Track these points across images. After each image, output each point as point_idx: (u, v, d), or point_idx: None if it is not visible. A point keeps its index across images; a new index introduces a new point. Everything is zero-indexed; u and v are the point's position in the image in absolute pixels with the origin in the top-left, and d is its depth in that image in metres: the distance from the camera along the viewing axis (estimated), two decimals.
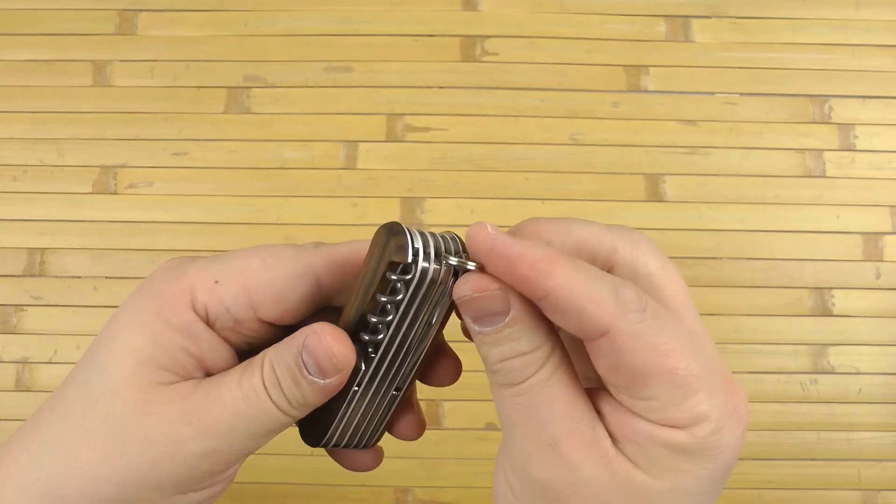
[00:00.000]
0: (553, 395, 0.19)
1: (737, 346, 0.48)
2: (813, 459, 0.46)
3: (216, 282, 0.20)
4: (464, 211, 0.49)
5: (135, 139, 0.50)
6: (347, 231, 0.49)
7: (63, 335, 0.48)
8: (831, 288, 0.48)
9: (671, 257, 0.48)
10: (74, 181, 0.49)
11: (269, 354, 0.21)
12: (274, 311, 0.21)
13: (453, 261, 0.20)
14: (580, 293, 0.18)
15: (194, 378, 0.21)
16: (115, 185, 0.49)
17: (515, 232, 0.21)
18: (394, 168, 0.50)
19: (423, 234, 0.20)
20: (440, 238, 0.20)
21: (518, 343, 0.19)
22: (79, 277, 0.48)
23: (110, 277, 0.48)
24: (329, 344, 0.20)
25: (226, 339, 0.21)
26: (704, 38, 0.52)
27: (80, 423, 0.20)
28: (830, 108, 0.51)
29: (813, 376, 0.47)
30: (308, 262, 0.21)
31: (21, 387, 0.47)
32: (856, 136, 0.50)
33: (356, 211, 0.49)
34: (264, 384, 0.20)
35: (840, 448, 0.47)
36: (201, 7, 0.52)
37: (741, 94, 0.51)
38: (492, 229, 0.19)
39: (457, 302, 0.20)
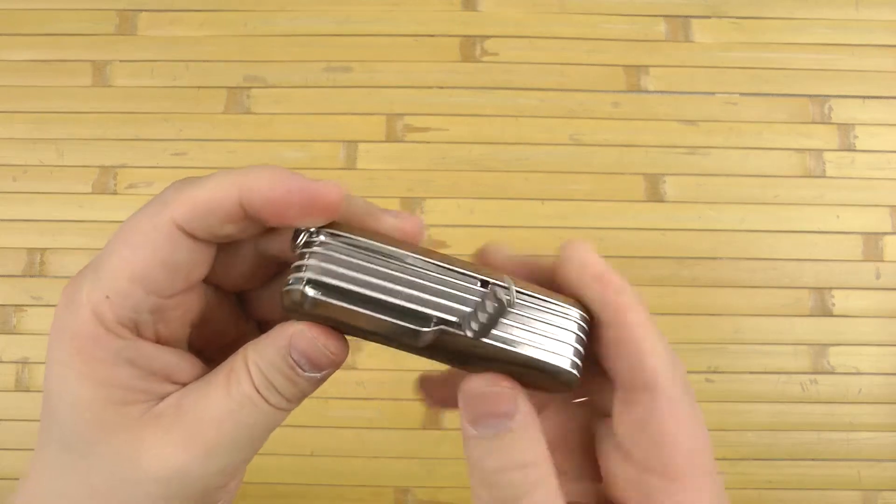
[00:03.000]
0: None
1: (737, 346, 0.48)
2: (813, 459, 0.46)
3: (107, 297, 0.18)
4: (464, 211, 0.49)
5: (135, 139, 0.50)
6: None
7: None
8: (831, 288, 0.48)
9: (671, 257, 0.49)
10: (74, 181, 0.49)
11: (252, 357, 0.19)
12: (179, 282, 0.19)
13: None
14: (647, 339, 0.18)
15: (167, 393, 0.19)
16: (115, 185, 0.49)
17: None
18: (394, 168, 0.50)
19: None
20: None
21: (520, 453, 0.18)
22: None
23: None
24: (322, 342, 0.18)
25: (167, 335, 0.20)
26: (704, 38, 0.52)
27: (77, 485, 0.18)
28: (830, 108, 0.51)
29: (813, 376, 0.47)
30: (166, 220, 0.18)
31: (21, 387, 0.47)
32: (856, 137, 0.50)
33: None
34: (257, 390, 0.19)
35: (840, 448, 0.47)
36: (201, 7, 0.52)
37: (741, 94, 0.51)
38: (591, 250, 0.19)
39: (460, 398, 0.19)
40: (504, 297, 0.17)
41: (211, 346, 0.22)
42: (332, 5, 0.52)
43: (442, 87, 0.51)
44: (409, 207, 0.49)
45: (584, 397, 0.22)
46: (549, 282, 0.20)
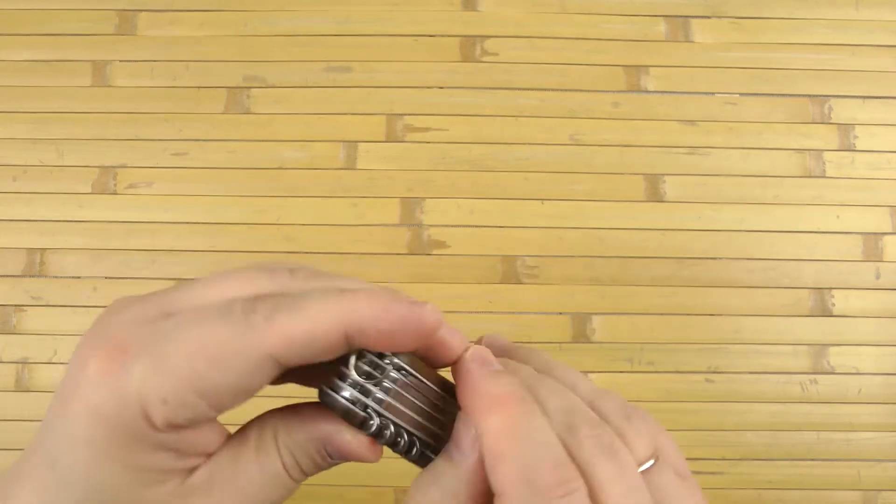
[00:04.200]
0: None
1: (737, 347, 0.48)
2: (813, 459, 0.46)
3: (164, 401, 0.17)
4: (464, 211, 0.49)
5: (134, 139, 0.50)
6: (347, 231, 0.49)
7: (63, 335, 0.48)
8: (831, 288, 0.48)
9: (671, 257, 0.49)
10: (74, 181, 0.49)
11: (282, 438, 0.19)
12: (243, 399, 0.18)
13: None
14: (500, 450, 0.17)
15: (197, 465, 0.19)
16: (115, 185, 0.49)
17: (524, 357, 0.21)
18: (393, 168, 0.50)
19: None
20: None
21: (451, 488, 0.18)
22: (78, 278, 0.48)
23: (110, 278, 0.48)
24: (360, 447, 0.19)
25: (206, 424, 0.19)
26: (704, 38, 0.52)
27: None
28: (830, 108, 0.51)
29: (813, 376, 0.47)
30: (259, 347, 0.17)
31: (21, 387, 0.47)
32: (856, 137, 0.50)
33: (356, 211, 0.49)
34: (286, 469, 0.19)
35: (840, 448, 0.47)
36: (201, 7, 0.52)
37: (741, 94, 0.51)
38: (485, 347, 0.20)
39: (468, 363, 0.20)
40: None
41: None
42: (332, 5, 0.52)
43: (442, 87, 0.51)
44: (409, 207, 0.49)
45: None
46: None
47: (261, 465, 0.19)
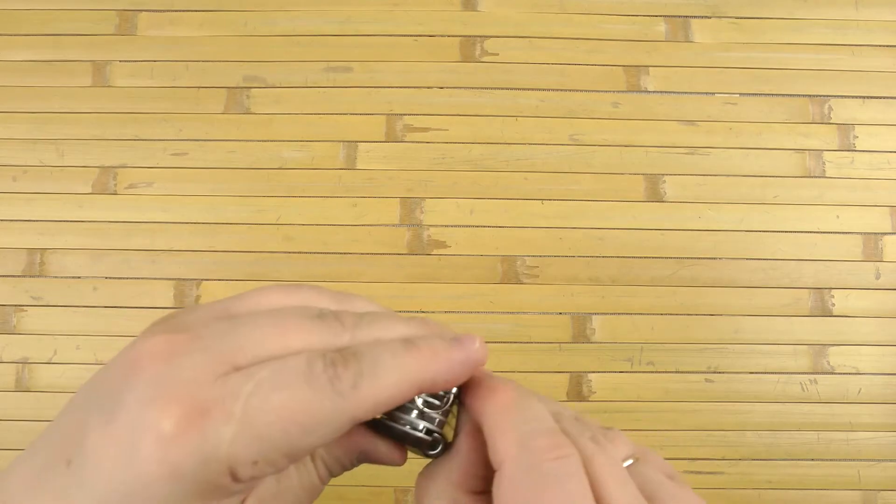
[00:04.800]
0: None
1: (737, 347, 0.48)
2: (813, 459, 0.46)
3: (255, 463, 0.17)
4: (463, 211, 0.49)
5: (134, 139, 0.50)
6: (347, 231, 0.49)
7: (63, 335, 0.48)
8: (831, 288, 0.48)
9: (671, 257, 0.49)
10: (74, 181, 0.49)
11: (321, 454, 0.22)
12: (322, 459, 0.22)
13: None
14: (499, 422, 0.19)
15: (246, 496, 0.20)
16: (115, 185, 0.49)
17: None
18: (393, 168, 0.50)
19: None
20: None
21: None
22: (79, 277, 0.48)
23: (110, 278, 0.48)
24: (389, 456, 0.22)
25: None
26: (704, 38, 0.52)
27: None
28: (830, 109, 0.51)
29: (813, 376, 0.47)
30: (349, 414, 0.18)
31: (21, 387, 0.47)
32: (855, 137, 0.50)
33: (356, 211, 0.49)
34: (320, 478, 0.22)
35: (840, 448, 0.47)
36: (201, 7, 0.52)
37: (741, 94, 0.51)
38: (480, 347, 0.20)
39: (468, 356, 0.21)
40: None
41: None
42: (332, 5, 0.52)
43: (442, 87, 0.51)
44: (409, 207, 0.49)
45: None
46: None
47: (301, 481, 0.21)
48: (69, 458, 0.17)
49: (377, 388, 0.18)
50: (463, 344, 0.20)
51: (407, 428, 0.21)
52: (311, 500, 0.22)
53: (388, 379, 0.18)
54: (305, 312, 0.20)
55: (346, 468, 0.22)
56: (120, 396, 0.17)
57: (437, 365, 0.19)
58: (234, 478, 0.17)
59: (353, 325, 0.20)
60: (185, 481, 0.16)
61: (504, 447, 0.18)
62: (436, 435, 0.21)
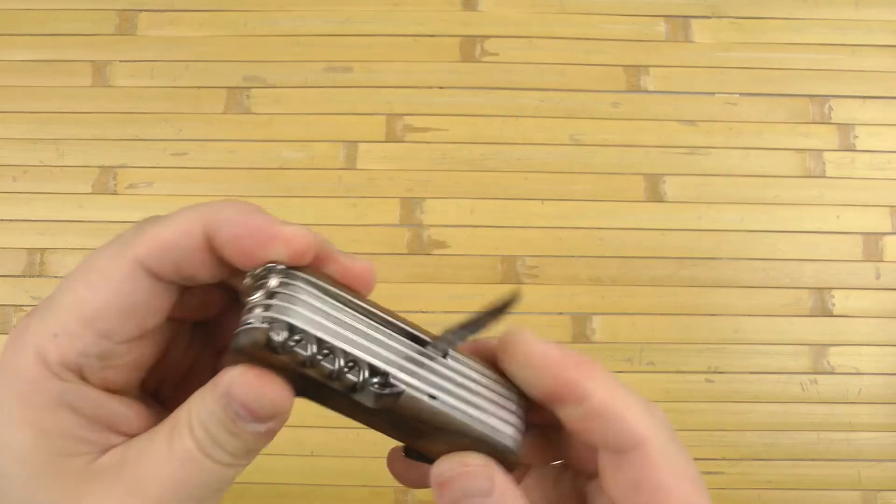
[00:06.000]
0: None
1: (737, 347, 0.48)
2: (813, 459, 0.46)
3: (55, 335, 0.17)
4: (463, 211, 0.49)
5: (134, 139, 0.50)
6: (347, 231, 0.49)
7: None
8: (831, 288, 0.48)
9: (671, 257, 0.49)
10: (74, 181, 0.49)
11: (194, 408, 0.17)
12: (134, 327, 0.17)
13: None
14: (620, 399, 0.18)
15: (112, 445, 0.18)
16: (115, 185, 0.49)
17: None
18: (393, 168, 0.50)
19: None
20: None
21: None
22: None
23: None
24: (258, 390, 0.16)
25: (115, 381, 0.18)
26: (704, 38, 0.52)
27: None
28: (830, 109, 0.51)
29: (813, 376, 0.47)
30: (129, 258, 0.17)
31: None
32: (856, 137, 0.50)
33: (356, 211, 0.49)
34: (199, 445, 0.17)
35: (840, 448, 0.47)
36: (201, 7, 0.52)
37: (741, 94, 0.51)
38: (531, 335, 0.19)
39: (434, 484, 0.18)
40: (442, 350, 0.18)
41: (166, 384, 0.21)
42: (332, 5, 0.52)
43: (442, 87, 0.51)
44: (409, 207, 0.49)
45: (559, 461, 0.22)
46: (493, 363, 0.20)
47: (172, 445, 0.17)
48: None
49: (159, 229, 0.17)
50: (280, 222, 0.17)
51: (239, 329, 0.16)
52: (205, 485, 0.17)
53: (174, 219, 0.17)
54: None
55: (235, 434, 0.17)
56: None
57: (228, 213, 0.17)
58: (45, 362, 0.17)
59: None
60: (8, 386, 0.17)
61: (641, 422, 0.18)
62: (275, 324, 0.16)
